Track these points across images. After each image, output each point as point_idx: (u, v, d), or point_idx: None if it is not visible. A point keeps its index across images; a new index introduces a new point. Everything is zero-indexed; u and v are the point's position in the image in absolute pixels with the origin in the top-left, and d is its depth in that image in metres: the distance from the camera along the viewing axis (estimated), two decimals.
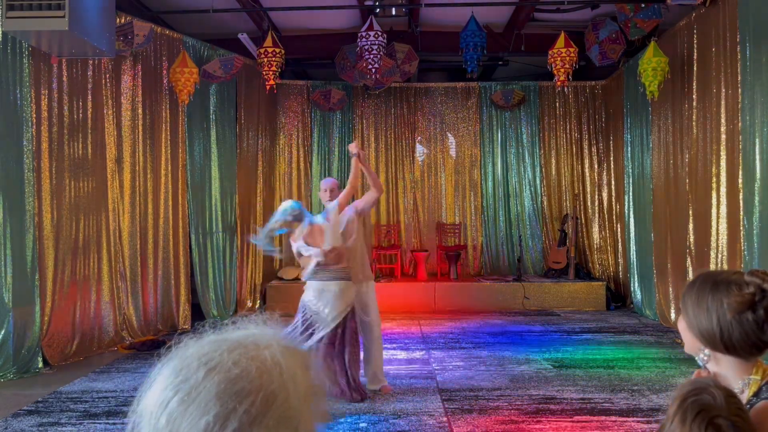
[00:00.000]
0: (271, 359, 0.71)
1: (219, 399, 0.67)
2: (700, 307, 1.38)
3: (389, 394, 4.74)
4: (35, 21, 4.35)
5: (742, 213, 5.62)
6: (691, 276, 6.78)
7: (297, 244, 4.51)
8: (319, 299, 4.45)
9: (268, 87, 7.44)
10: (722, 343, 1.36)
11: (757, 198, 5.36)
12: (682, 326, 1.47)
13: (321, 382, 0.78)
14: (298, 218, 4.46)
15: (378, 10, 7.63)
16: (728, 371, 1.39)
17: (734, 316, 1.33)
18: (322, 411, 0.75)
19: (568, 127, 9.96)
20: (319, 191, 4.97)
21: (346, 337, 4.47)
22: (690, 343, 1.46)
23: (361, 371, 4.76)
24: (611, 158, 9.56)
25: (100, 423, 4.20)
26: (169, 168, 7.31)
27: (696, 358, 1.45)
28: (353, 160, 4.77)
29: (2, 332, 5.33)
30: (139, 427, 0.71)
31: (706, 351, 1.41)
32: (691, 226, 6.80)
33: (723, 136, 6.05)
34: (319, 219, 4.57)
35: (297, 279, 9.01)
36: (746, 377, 1.36)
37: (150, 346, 6.38)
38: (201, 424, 0.66)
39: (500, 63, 9.52)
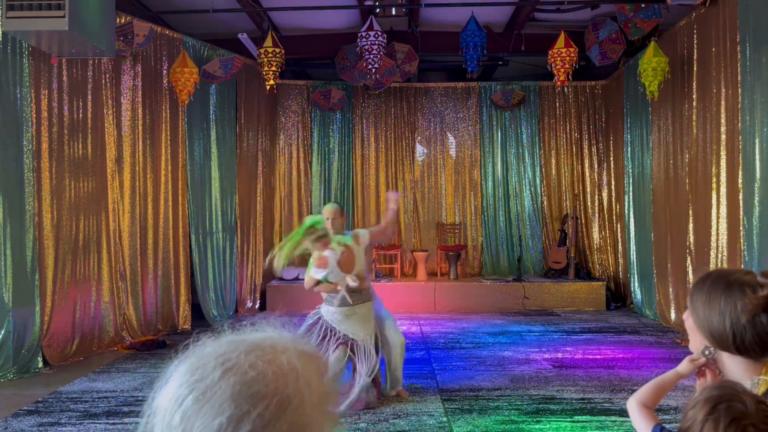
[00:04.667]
0: (287, 364, 0.72)
1: (234, 401, 0.67)
2: (712, 308, 1.37)
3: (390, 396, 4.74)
4: (35, 21, 4.35)
5: (742, 213, 5.61)
6: (691, 276, 6.78)
7: (327, 272, 4.27)
8: (345, 323, 4.41)
9: (268, 87, 7.44)
10: (734, 345, 1.34)
11: (757, 198, 5.35)
12: (689, 325, 1.45)
13: (336, 390, 0.78)
14: (323, 235, 4.28)
15: (378, 10, 7.63)
16: (735, 371, 1.38)
17: (749, 318, 1.32)
18: (335, 418, 0.75)
19: (568, 127, 9.96)
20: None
21: (371, 348, 4.45)
22: (697, 342, 1.45)
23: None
24: (611, 158, 9.56)
25: (100, 423, 4.20)
26: (169, 168, 7.31)
27: (703, 355, 1.44)
28: (392, 210, 4.78)
29: (2, 332, 5.33)
30: (153, 422, 0.72)
31: (711, 349, 1.41)
32: (691, 226, 6.80)
33: (723, 136, 6.05)
34: (348, 240, 4.49)
35: (297, 279, 9.01)
36: (755, 377, 1.35)
37: (150, 346, 6.38)
38: (215, 424, 0.67)
39: (500, 63, 9.51)
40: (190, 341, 0.77)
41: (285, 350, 0.73)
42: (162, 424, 0.70)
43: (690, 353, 1.48)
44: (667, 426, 1.44)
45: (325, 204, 9.83)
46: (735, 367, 1.38)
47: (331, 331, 4.42)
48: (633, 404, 1.51)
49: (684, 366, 1.47)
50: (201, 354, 0.73)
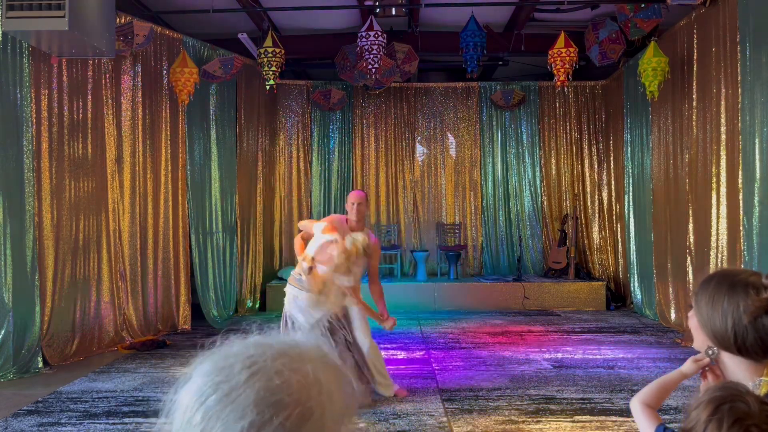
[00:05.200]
0: (312, 374, 0.72)
1: (257, 407, 0.67)
2: (715, 309, 1.37)
3: (394, 395, 4.73)
4: (35, 21, 4.35)
5: (742, 213, 5.61)
6: (691, 276, 6.78)
7: (317, 244, 4.44)
8: (307, 311, 4.48)
9: (268, 87, 7.44)
10: (735, 345, 1.34)
11: (757, 198, 5.35)
12: (693, 324, 1.46)
13: (355, 402, 0.78)
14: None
15: (378, 10, 7.63)
16: (737, 372, 1.38)
17: (750, 320, 1.31)
18: (353, 431, 0.75)
19: (568, 127, 9.96)
20: (346, 203, 4.90)
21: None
22: (701, 341, 1.45)
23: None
24: (611, 158, 9.56)
25: (100, 423, 4.20)
26: (169, 168, 7.31)
27: (706, 355, 1.44)
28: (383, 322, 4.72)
29: (2, 332, 5.33)
30: (173, 417, 0.72)
31: (714, 349, 1.41)
32: (691, 226, 6.80)
33: (723, 136, 6.05)
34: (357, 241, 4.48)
35: None
36: (757, 379, 1.35)
37: (150, 346, 6.38)
38: (236, 428, 0.67)
39: (500, 63, 9.51)
40: (218, 338, 0.77)
41: (311, 360, 0.73)
42: (182, 420, 0.70)
43: (692, 352, 1.48)
44: (670, 426, 1.44)
45: (326, 203, 9.88)
46: (736, 368, 1.38)
47: (293, 322, 4.45)
48: (636, 404, 1.51)
49: (688, 366, 1.48)
50: (227, 354, 0.73)
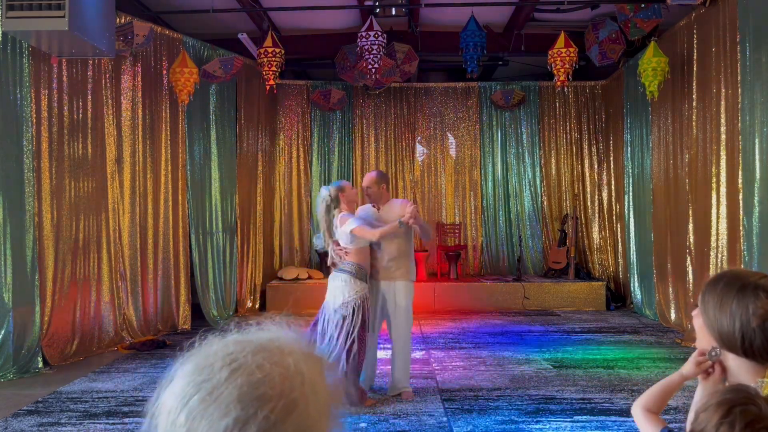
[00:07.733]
0: (294, 366, 0.72)
1: (240, 402, 0.67)
2: (723, 311, 1.36)
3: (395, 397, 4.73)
4: (35, 21, 4.34)
5: (742, 213, 5.61)
6: (691, 276, 6.78)
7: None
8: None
9: (268, 87, 7.44)
10: (742, 348, 1.34)
11: (756, 198, 5.35)
12: (697, 323, 1.45)
13: (339, 393, 0.78)
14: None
15: (378, 10, 7.63)
16: (740, 373, 1.38)
17: (759, 323, 1.31)
18: (339, 422, 0.75)
19: (568, 127, 9.96)
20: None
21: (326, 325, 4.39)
22: (704, 341, 1.44)
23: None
24: (611, 158, 9.56)
25: (100, 423, 4.20)
26: (169, 168, 7.31)
27: (709, 357, 1.44)
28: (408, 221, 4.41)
29: (2, 332, 5.33)
30: (157, 421, 0.72)
31: (717, 350, 1.40)
32: (691, 226, 6.80)
33: (723, 136, 6.05)
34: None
35: (297, 279, 9.00)
36: (759, 380, 1.35)
37: (150, 346, 6.38)
38: (221, 425, 0.67)
39: (500, 63, 9.52)
40: (196, 339, 0.77)
41: (291, 352, 0.73)
42: (166, 423, 0.70)
43: (692, 352, 1.48)
44: (672, 426, 1.44)
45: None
46: (739, 370, 1.38)
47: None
48: (637, 410, 1.50)
49: (688, 368, 1.47)
50: (207, 353, 0.73)
